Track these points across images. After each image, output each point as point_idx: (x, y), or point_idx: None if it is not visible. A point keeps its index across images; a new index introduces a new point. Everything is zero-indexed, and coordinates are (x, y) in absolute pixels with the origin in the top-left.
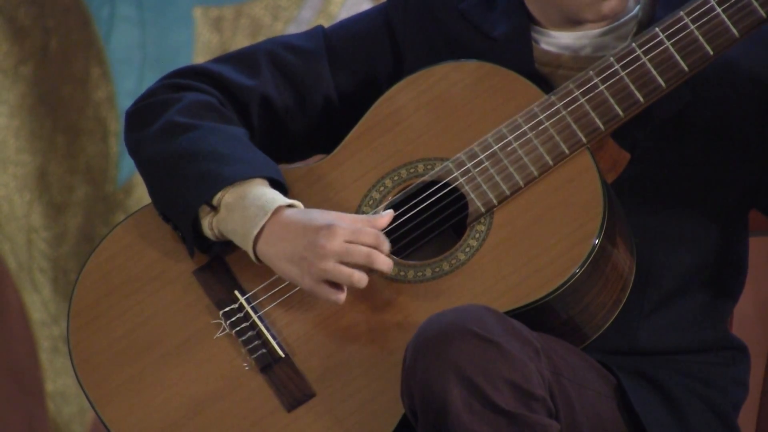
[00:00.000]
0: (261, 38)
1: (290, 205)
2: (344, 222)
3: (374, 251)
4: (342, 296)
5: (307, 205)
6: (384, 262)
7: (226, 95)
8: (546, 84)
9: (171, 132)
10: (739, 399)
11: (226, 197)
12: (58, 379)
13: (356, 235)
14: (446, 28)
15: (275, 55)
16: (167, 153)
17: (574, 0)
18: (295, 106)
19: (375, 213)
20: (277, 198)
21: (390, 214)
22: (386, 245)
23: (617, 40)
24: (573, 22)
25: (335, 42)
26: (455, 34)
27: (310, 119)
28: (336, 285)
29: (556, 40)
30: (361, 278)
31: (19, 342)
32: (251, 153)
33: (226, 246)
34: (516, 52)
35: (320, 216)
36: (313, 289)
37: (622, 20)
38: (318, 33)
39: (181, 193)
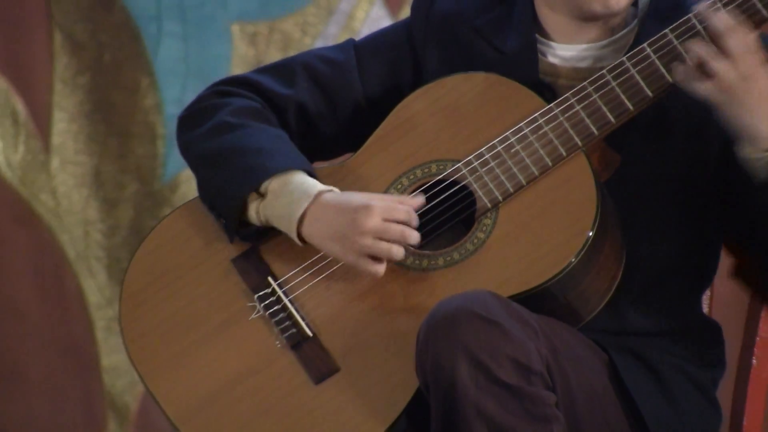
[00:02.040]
0: (292, 51)
1: (330, 190)
2: (379, 201)
3: (407, 228)
4: (382, 268)
5: None
6: (416, 237)
7: (267, 102)
8: (549, 92)
9: (222, 130)
10: (718, 374)
11: (272, 184)
12: (112, 355)
13: (391, 213)
14: (462, 43)
15: (310, 66)
16: (219, 148)
17: None
18: (327, 112)
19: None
20: (317, 184)
21: (422, 197)
22: (416, 220)
23: (615, 53)
24: (583, 18)
25: (364, 54)
26: (470, 49)
27: (340, 123)
28: (376, 258)
29: (561, 52)
30: (399, 251)
31: (77, 323)
32: (292, 150)
33: (264, 234)
34: (523, 65)
35: (357, 197)
36: (356, 263)
37: (620, 35)
38: (349, 46)
39: (231, 182)
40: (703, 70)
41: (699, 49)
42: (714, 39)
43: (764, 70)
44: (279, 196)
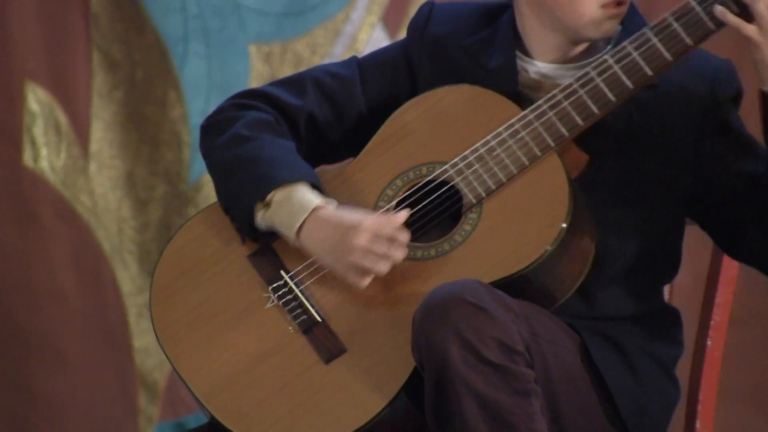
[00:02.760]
0: (302, 68)
1: (326, 205)
2: (369, 220)
3: (392, 245)
4: (367, 281)
5: (337, 201)
6: (401, 254)
7: (280, 112)
8: (526, 102)
9: (236, 142)
10: (677, 354)
11: (276, 196)
12: (143, 337)
13: (379, 230)
14: (452, 60)
15: (318, 80)
16: (232, 159)
17: (581, 21)
18: (334, 121)
19: (389, 209)
20: (315, 199)
21: (406, 212)
22: (404, 236)
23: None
24: (577, 40)
25: (366, 69)
26: (459, 65)
27: (345, 130)
28: (364, 273)
29: (540, 69)
30: (385, 266)
31: (112, 309)
32: (298, 162)
33: (272, 235)
34: (504, 79)
35: (349, 216)
36: (344, 275)
37: (597, 56)
38: (353, 62)
39: (241, 192)
40: (746, 13)
41: None
42: None
43: None
44: (281, 207)
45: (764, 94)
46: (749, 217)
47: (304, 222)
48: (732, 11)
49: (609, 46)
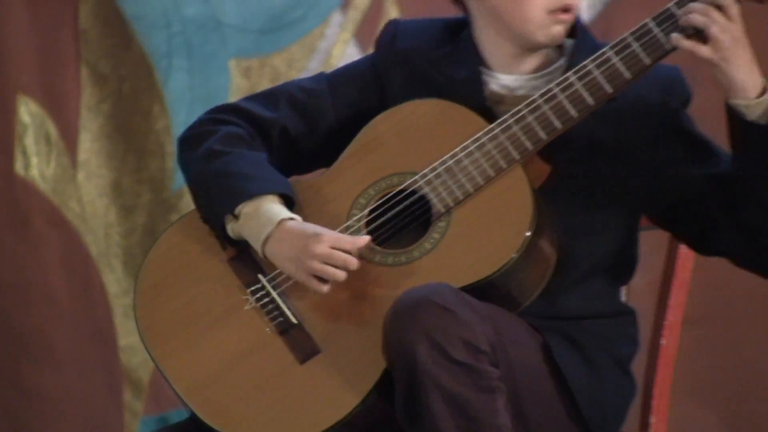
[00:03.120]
0: (280, 82)
1: (291, 218)
2: (329, 233)
3: (350, 257)
4: (326, 288)
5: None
6: (355, 264)
7: (253, 126)
8: (491, 115)
9: (210, 156)
10: (633, 351)
11: (245, 209)
12: (128, 336)
13: (338, 243)
14: (420, 73)
15: (290, 95)
16: (206, 172)
17: (530, 26)
18: (306, 132)
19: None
20: (282, 212)
21: (368, 239)
22: (361, 242)
23: (546, 84)
24: (528, 47)
25: (335, 83)
26: (427, 78)
27: (316, 141)
28: (322, 279)
29: (501, 81)
30: (342, 275)
31: (99, 309)
32: (269, 173)
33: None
34: (471, 92)
35: (311, 227)
36: (305, 281)
37: (550, 69)
38: (322, 77)
39: (214, 204)
40: (700, 38)
41: (697, 19)
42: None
43: (744, 37)
44: (250, 219)
45: (728, 106)
46: (717, 214)
47: (269, 234)
48: (688, 34)
49: (563, 58)
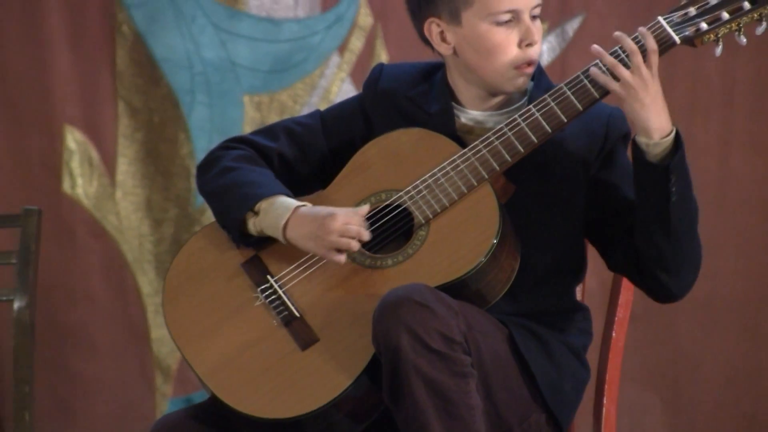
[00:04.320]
0: (286, 116)
1: (304, 205)
2: (341, 211)
3: (361, 229)
4: (343, 258)
5: None
6: (367, 235)
7: (257, 152)
8: (462, 142)
9: (225, 171)
10: (587, 343)
11: (263, 205)
12: (159, 330)
13: (349, 218)
14: (400, 108)
15: (288, 128)
16: (224, 184)
17: (499, 78)
18: (301, 159)
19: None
20: (294, 202)
21: (367, 207)
22: (366, 225)
23: (509, 118)
24: (493, 94)
25: (327, 118)
26: (406, 112)
27: (311, 167)
28: (339, 251)
29: (470, 115)
30: (356, 245)
31: (134, 306)
32: (275, 182)
33: (263, 242)
34: (444, 123)
35: (323, 209)
36: (326, 255)
37: (514, 107)
38: (316, 113)
39: (233, 207)
40: (614, 76)
41: (609, 60)
42: (623, 61)
43: (656, 81)
44: (268, 212)
45: (632, 142)
46: (617, 236)
47: (288, 220)
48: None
49: (525, 98)
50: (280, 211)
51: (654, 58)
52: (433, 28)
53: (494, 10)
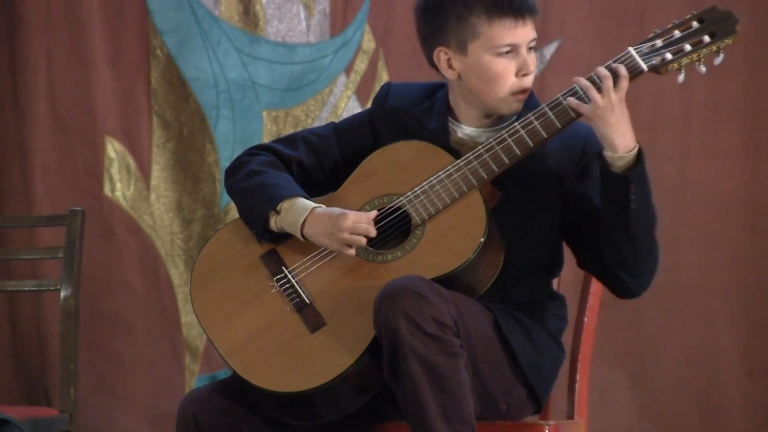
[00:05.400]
0: (299, 128)
1: (319, 206)
2: (350, 211)
3: (369, 227)
4: (353, 252)
5: None
6: (373, 232)
7: (278, 159)
8: (456, 154)
9: (251, 174)
10: (562, 327)
11: (284, 205)
12: (188, 316)
13: (359, 219)
14: (404, 123)
15: (306, 138)
16: (250, 186)
17: (497, 102)
18: (317, 166)
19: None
20: (312, 203)
21: (375, 212)
22: (373, 229)
23: (498, 133)
24: (486, 116)
25: (340, 130)
26: (409, 126)
27: (325, 173)
28: (349, 246)
29: (465, 131)
30: (363, 241)
31: (166, 295)
32: (295, 185)
33: (281, 238)
34: (441, 138)
35: (336, 209)
36: (338, 249)
37: (504, 124)
38: (331, 125)
39: (258, 206)
40: (585, 99)
41: (583, 83)
42: (595, 84)
43: (623, 104)
44: (289, 212)
45: (600, 156)
46: (587, 240)
47: (306, 219)
48: (579, 96)
49: (514, 117)
50: (299, 211)
51: (624, 84)
52: (442, 55)
53: (497, 43)
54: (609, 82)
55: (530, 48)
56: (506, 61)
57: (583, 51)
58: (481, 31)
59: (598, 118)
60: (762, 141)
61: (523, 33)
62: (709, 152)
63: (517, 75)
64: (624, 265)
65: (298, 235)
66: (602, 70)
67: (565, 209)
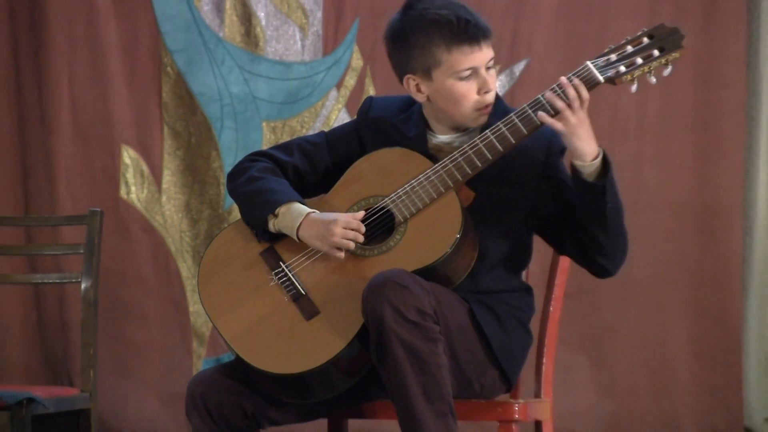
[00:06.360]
0: (295, 137)
1: (313, 212)
2: (342, 217)
3: (357, 233)
4: (342, 255)
5: None
6: (361, 238)
7: (276, 164)
8: (434, 159)
9: (252, 180)
10: (531, 315)
11: (282, 209)
12: (195, 305)
13: (348, 224)
14: (386, 131)
15: (300, 146)
16: (251, 190)
17: (464, 118)
18: (310, 171)
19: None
20: (306, 209)
21: (362, 214)
22: (362, 229)
23: (471, 139)
24: (457, 129)
25: (330, 138)
26: (391, 135)
27: (317, 178)
28: (339, 249)
29: (439, 139)
30: (351, 245)
31: (176, 287)
32: (292, 191)
33: (278, 237)
34: (420, 144)
35: (329, 215)
36: (328, 251)
37: (476, 129)
38: (322, 134)
39: (258, 209)
40: (554, 113)
41: (553, 99)
42: (562, 99)
43: (585, 114)
44: (285, 215)
45: (572, 165)
46: (565, 231)
47: (301, 223)
48: (548, 113)
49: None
50: (295, 215)
51: (583, 92)
52: (411, 82)
53: (458, 68)
54: (577, 102)
55: (488, 67)
56: (468, 83)
57: (549, 68)
58: (442, 59)
59: (571, 135)
60: (709, 149)
61: (480, 56)
62: (662, 159)
63: (479, 93)
64: (602, 252)
65: (294, 237)
66: (563, 80)
67: (538, 205)
